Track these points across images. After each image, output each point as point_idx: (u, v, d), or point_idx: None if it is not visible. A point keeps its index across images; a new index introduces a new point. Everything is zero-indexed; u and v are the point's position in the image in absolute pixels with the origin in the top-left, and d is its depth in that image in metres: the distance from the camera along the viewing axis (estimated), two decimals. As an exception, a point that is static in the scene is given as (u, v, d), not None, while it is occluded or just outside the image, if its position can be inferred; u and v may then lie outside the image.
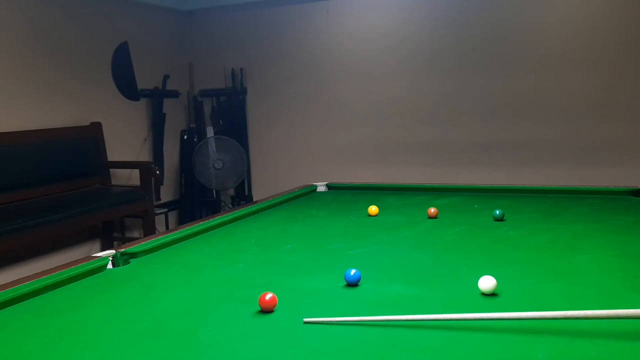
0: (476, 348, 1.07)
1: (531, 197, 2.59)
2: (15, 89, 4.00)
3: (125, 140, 4.97)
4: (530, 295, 1.35)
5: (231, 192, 5.69)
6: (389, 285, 1.46)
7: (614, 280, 1.43)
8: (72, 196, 4.04)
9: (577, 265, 1.58)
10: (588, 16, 4.28)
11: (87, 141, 4.41)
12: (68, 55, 4.40)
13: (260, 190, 5.55)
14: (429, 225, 2.14)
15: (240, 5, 5.45)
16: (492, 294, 1.34)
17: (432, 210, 2.26)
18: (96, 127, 4.50)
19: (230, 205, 5.64)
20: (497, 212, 2.15)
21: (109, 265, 1.69)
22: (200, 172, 5.19)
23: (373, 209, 2.34)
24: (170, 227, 5.27)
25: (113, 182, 4.64)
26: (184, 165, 5.49)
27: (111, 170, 4.64)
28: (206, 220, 2.22)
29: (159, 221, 5.00)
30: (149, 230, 4.39)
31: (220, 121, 5.58)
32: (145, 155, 5.20)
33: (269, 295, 1.28)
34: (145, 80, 5.14)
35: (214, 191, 5.50)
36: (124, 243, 2.80)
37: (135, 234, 4.87)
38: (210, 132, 5.40)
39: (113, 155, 4.67)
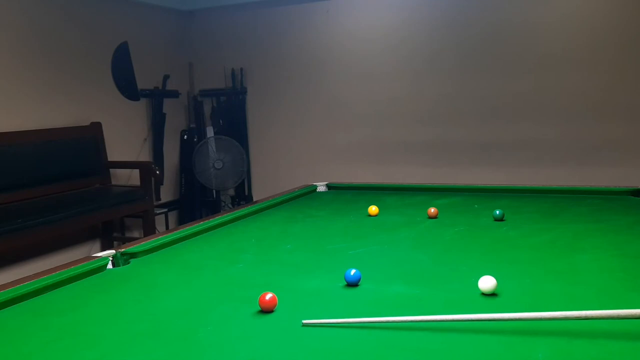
0: (476, 348, 1.07)
1: (531, 197, 2.59)
2: (15, 89, 4.00)
3: (125, 140, 4.97)
4: (530, 295, 1.35)
5: (231, 192, 5.69)
6: (389, 285, 1.46)
7: (614, 280, 1.43)
8: (72, 196, 4.04)
9: (577, 265, 1.58)
10: (588, 16, 4.28)
11: (87, 141, 4.41)
12: (68, 55, 4.40)
13: (260, 190, 5.55)
14: (429, 225, 2.14)
15: (240, 5, 5.45)
16: (492, 294, 1.34)
17: (432, 210, 2.26)
18: (96, 127, 4.50)
19: (230, 205, 5.64)
20: (497, 212, 2.15)
21: (109, 265, 1.69)
22: (200, 172, 5.19)
23: (373, 209, 2.34)
24: (170, 227, 5.27)
25: (113, 182, 4.64)
26: (184, 165, 5.49)
27: (111, 170, 4.64)
28: (206, 220, 2.22)
29: (159, 221, 5.00)
30: (149, 230, 4.39)
31: (220, 121, 5.58)
32: (145, 155, 5.20)
33: (269, 296, 1.28)
34: (145, 80, 5.14)
35: (214, 191, 5.50)
36: (124, 243, 2.80)
37: (135, 234, 4.87)
38: (210, 132, 5.40)
39: (113, 155, 4.67)
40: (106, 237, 4.63)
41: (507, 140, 4.61)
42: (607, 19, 4.23)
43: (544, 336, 1.10)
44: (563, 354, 1.02)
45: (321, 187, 3.01)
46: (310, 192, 2.94)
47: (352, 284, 1.44)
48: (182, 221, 5.52)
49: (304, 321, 1.20)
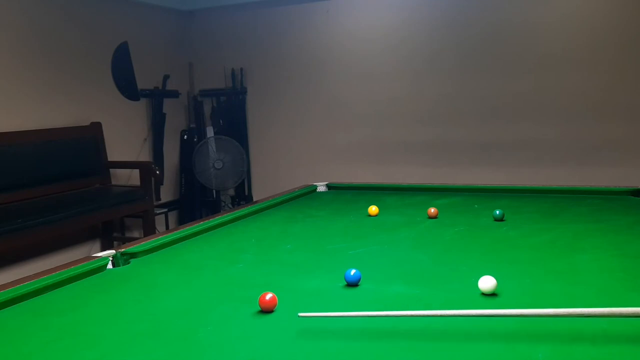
0: (476, 348, 1.07)
1: (531, 197, 2.59)
2: (15, 89, 4.00)
3: (125, 140, 4.97)
4: (530, 295, 1.35)
5: (231, 192, 5.69)
6: (389, 285, 1.46)
7: (614, 280, 1.43)
8: (72, 196, 4.04)
9: (577, 265, 1.58)
10: (588, 16, 4.28)
11: (87, 141, 4.41)
12: (68, 55, 4.40)
13: (260, 190, 5.55)
14: (429, 225, 2.14)
15: (240, 5, 5.45)
16: (492, 294, 1.34)
17: (432, 210, 2.26)
18: (96, 127, 4.50)
19: (230, 205, 5.64)
20: (497, 212, 2.15)
21: (109, 265, 1.69)
22: (200, 172, 5.19)
23: (373, 209, 2.34)
24: (170, 227, 5.27)
25: (113, 182, 4.64)
26: (184, 165, 5.49)
27: (111, 170, 4.64)
28: (206, 220, 2.22)
29: (159, 221, 5.00)
30: (149, 230, 4.39)
31: (220, 121, 5.58)
32: (145, 155, 5.20)
33: (269, 295, 1.28)
34: (145, 80, 5.14)
35: (214, 191, 5.50)
36: (124, 243, 2.80)
37: (135, 234, 4.87)
38: (210, 132, 5.40)
39: (113, 155, 4.67)
40: (106, 237, 4.63)
41: (507, 140, 4.61)
42: (607, 19, 4.23)
43: (544, 336, 1.10)
44: (563, 354, 1.02)
45: (321, 187, 3.01)
46: (310, 192, 2.94)
47: (352, 284, 1.44)
48: (182, 221, 5.52)
49: (300, 314, 1.20)
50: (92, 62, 4.63)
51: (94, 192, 4.27)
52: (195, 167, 5.19)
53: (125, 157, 4.90)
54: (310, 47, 5.23)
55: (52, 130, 4.17)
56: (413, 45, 4.84)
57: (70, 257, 4.14)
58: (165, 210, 5.21)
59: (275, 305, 1.28)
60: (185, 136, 5.52)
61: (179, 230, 2.06)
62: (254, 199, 5.49)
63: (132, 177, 4.89)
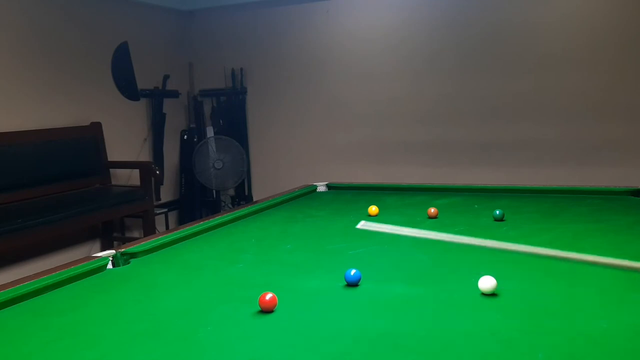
0: (476, 348, 1.07)
1: (531, 197, 2.59)
2: (15, 89, 4.00)
3: (125, 140, 4.97)
4: (530, 295, 1.35)
5: (231, 192, 5.69)
6: (389, 285, 1.46)
7: (614, 280, 1.43)
8: (72, 196, 4.04)
9: (577, 265, 1.58)
10: (588, 16, 4.28)
11: (87, 141, 4.41)
12: (68, 55, 4.40)
13: (260, 190, 5.55)
14: (429, 225, 2.14)
15: (240, 5, 5.45)
16: (492, 294, 1.34)
17: (432, 210, 2.26)
18: (96, 127, 4.50)
19: (230, 205, 5.64)
20: (497, 212, 2.15)
21: (109, 265, 1.69)
22: (200, 172, 5.19)
23: (373, 209, 2.34)
24: (170, 227, 5.27)
25: (113, 182, 4.64)
26: (184, 165, 5.49)
27: (111, 170, 4.63)
28: (206, 220, 2.22)
29: (159, 221, 5.00)
30: (149, 230, 4.38)
31: (220, 121, 5.58)
32: (145, 155, 5.20)
33: (269, 296, 1.28)
34: (145, 80, 5.14)
35: (214, 191, 5.49)
36: (124, 243, 2.80)
37: (135, 234, 4.87)
38: (210, 132, 5.40)
39: (113, 155, 4.67)
40: (106, 237, 4.63)
41: (507, 140, 4.61)
42: (607, 19, 4.23)
43: (544, 336, 1.10)
44: (563, 354, 1.02)
45: (321, 187, 3.01)
46: (310, 192, 2.94)
47: (352, 284, 1.44)
48: (182, 221, 5.52)
49: (359, 225, 1.24)
50: (92, 62, 4.63)
51: (94, 192, 4.27)
52: (195, 167, 5.19)
53: (125, 157, 4.90)
54: (310, 47, 5.23)
55: (52, 130, 4.17)
56: (413, 45, 4.84)
57: (70, 257, 4.14)
58: (165, 210, 5.21)
59: (275, 305, 1.29)
60: (185, 136, 5.52)
61: (179, 230, 2.06)
62: (254, 199, 5.49)
63: (132, 177, 4.89)
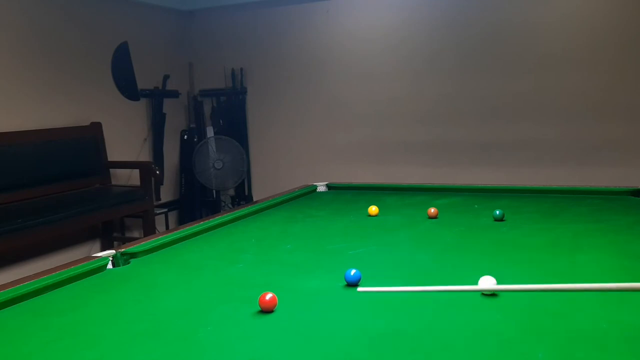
0: (476, 348, 1.07)
1: (531, 197, 2.59)
2: (15, 89, 4.00)
3: (125, 140, 4.97)
4: (530, 295, 1.34)
5: (231, 192, 5.69)
6: (389, 285, 1.46)
7: (614, 280, 1.43)
8: (72, 196, 4.04)
9: (577, 265, 1.58)
10: (588, 16, 4.28)
11: (87, 141, 4.41)
12: (68, 55, 4.40)
13: (260, 190, 5.55)
14: (429, 226, 2.14)
15: (240, 5, 5.45)
16: (492, 294, 1.34)
17: (432, 210, 2.26)
18: (96, 127, 4.50)
19: (230, 205, 5.64)
20: (497, 212, 2.15)
21: (109, 265, 1.69)
22: (200, 172, 5.19)
23: (373, 209, 2.34)
24: (170, 227, 5.27)
25: (113, 182, 4.64)
26: (184, 165, 5.49)
27: (111, 170, 4.63)
28: (206, 220, 2.22)
29: (159, 221, 5.00)
30: (149, 230, 4.38)
31: (220, 121, 5.58)
32: (145, 155, 5.20)
33: (269, 295, 1.28)
34: (145, 80, 5.14)
35: (214, 191, 5.49)
36: (124, 243, 2.80)
37: (135, 234, 4.87)
38: (210, 132, 5.40)
39: (113, 155, 4.67)
40: (106, 237, 4.63)
41: (507, 140, 4.61)
42: (607, 19, 4.23)
43: (544, 336, 1.10)
44: (563, 354, 1.02)
45: (321, 187, 3.01)
46: (310, 192, 2.94)
47: (352, 284, 1.44)
48: (182, 221, 5.52)
49: (359, 289, 1.35)
50: (92, 62, 4.63)
51: (94, 192, 4.27)
52: (195, 167, 5.19)
53: (125, 157, 4.90)
54: (310, 47, 5.23)
55: (52, 130, 4.17)
56: (413, 45, 4.84)
57: (70, 257, 4.14)
58: (165, 210, 5.21)
59: (275, 305, 1.28)
60: (185, 136, 5.52)
61: (179, 230, 2.06)
62: (254, 199, 5.49)
63: (132, 177, 4.89)
